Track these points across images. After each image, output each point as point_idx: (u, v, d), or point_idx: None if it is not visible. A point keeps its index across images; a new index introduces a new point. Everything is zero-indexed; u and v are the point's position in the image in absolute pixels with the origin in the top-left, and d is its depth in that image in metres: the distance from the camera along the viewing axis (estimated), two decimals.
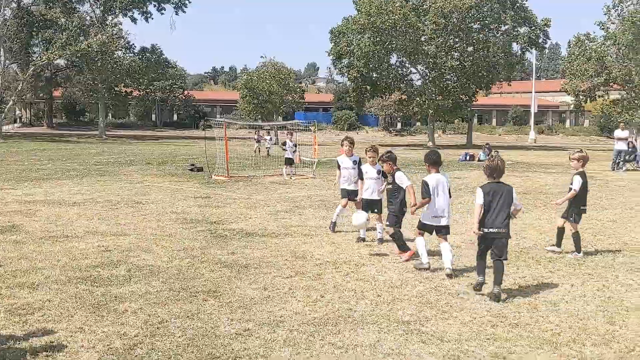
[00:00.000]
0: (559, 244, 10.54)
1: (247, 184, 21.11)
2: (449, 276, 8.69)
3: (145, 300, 7.32)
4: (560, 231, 10.52)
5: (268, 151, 36.84)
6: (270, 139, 39.58)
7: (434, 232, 9.22)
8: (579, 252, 10.15)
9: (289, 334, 6.32)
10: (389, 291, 7.96)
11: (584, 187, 10.50)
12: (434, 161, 9.24)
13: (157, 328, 6.38)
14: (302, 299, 7.56)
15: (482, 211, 8.04)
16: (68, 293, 7.52)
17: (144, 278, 8.34)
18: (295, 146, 25.50)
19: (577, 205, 10.39)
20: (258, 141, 38.78)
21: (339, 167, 12.41)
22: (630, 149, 29.76)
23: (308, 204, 16.27)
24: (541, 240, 11.46)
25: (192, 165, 26.59)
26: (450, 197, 9.28)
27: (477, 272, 8.14)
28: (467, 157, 36.30)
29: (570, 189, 10.52)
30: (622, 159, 28.95)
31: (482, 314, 7.03)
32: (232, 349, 5.88)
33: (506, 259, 7.98)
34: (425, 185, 9.05)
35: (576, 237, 10.21)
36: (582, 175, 10.58)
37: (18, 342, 5.82)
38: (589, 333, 6.44)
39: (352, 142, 12.47)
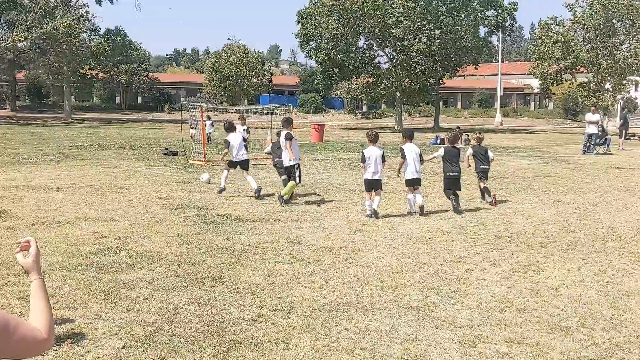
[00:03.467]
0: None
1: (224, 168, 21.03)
2: (421, 208, 12.47)
3: (154, 287, 7.36)
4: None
5: (209, 136, 31.82)
6: (212, 124, 33.81)
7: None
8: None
9: (304, 320, 6.42)
10: (391, 277, 8.11)
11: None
12: (409, 135, 13.33)
13: (174, 314, 6.44)
14: (307, 285, 7.67)
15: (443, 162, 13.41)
16: (76, 280, 7.52)
17: (147, 264, 8.36)
18: (248, 132, 23.81)
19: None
20: (193, 127, 32.92)
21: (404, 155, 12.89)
22: (600, 133, 30.31)
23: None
24: (528, 225, 11.73)
25: (167, 149, 26.43)
26: (422, 161, 12.95)
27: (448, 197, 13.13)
28: (439, 141, 36.63)
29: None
30: (593, 143, 29.48)
31: (487, 299, 7.22)
32: (252, 335, 5.98)
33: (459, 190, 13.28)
34: (402, 151, 12.82)
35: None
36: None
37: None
38: (596, 318, 6.65)
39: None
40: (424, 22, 53.20)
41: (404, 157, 12.74)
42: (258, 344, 5.77)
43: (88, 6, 62.61)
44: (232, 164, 15.14)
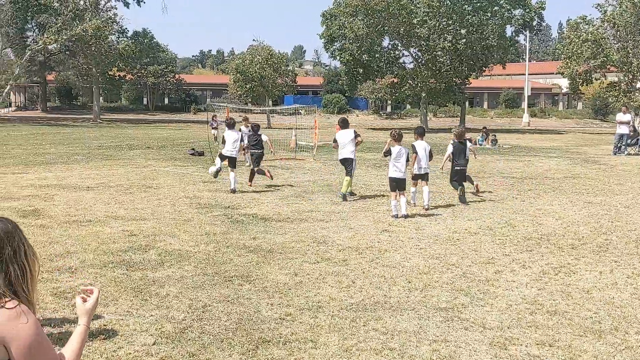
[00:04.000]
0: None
1: (250, 169, 21.11)
2: (426, 209, 13.06)
3: (183, 285, 7.42)
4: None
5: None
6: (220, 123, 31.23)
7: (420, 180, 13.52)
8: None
9: (331, 320, 6.43)
10: (419, 278, 8.08)
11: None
12: (420, 133, 13.95)
13: (203, 312, 6.49)
14: (334, 285, 7.67)
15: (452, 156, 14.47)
16: (107, 277, 7.61)
17: (176, 262, 8.43)
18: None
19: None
20: (215, 128, 31.66)
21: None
22: (631, 133, 29.83)
23: (315, 188, 16.36)
24: (558, 227, 11.60)
25: (193, 149, 26.59)
26: (431, 158, 13.61)
27: (456, 188, 14.16)
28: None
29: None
30: (624, 143, 28.99)
31: (517, 301, 7.16)
32: (281, 333, 5.99)
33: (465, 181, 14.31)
34: (413, 147, 13.41)
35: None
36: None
37: (72, 326, 5.89)
38: (630, 321, 6.55)
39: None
40: (450, 22, 52.92)
41: (415, 152, 13.35)
42: (286, 343, 5.78)
43: (116, 8, 63.27)
44: (221, 157, 16.28)
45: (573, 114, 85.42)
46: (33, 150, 25.72)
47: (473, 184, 15.35)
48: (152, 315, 6.31)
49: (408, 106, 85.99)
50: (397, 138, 12.83)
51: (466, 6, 53.62)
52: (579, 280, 8.06)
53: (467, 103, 72.96)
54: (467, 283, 7.87)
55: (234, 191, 15.21)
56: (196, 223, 11.30)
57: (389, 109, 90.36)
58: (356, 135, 15.24)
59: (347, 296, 7.25)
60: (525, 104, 71.22)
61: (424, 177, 13.50)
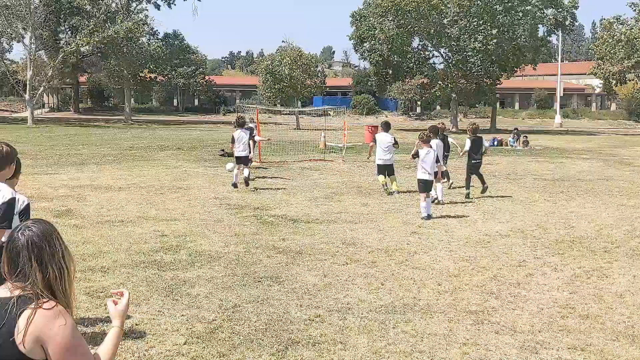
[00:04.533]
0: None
1: (279, 169, 21.23)
2: (438, 202, 13.68)
3: (213, 285, 7.48)
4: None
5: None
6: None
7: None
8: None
9: (360, 321, 6.43)
10: (449, 280, 8.04)
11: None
12: (434, 131, 14.59)
13: (233, 312, 6.54)
14: (363, 287, 7.67)
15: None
16: (139, 277, 7.71)
17: (207, 263, 8.50)
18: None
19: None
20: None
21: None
22: None
23: (344, 190, 16.36)
24: (591, 230, 11.46)
25: (223, 150, 26.72)
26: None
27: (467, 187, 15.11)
28: (495, 143, 36.12)
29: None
30: None
31: (549, 304, 7.09)
32: (310, 335, 6.01)
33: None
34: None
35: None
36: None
37: (105, 325, 5.98)
38: None
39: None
40: (480, 22, 52.53)
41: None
42: (315, 344, 5.80)
43: (147, 10, 63.81)
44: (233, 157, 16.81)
45: (606, 115, 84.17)
46: (65, 151, 26.07)
47: (483, 184, 15.27)
48: (183, 315, 6.37)
49: (438, 107, 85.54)
50: (425, 140, 12.91)
51: (497, 6, 53.19)
52: (611, 284, 7.95)
53: (498, 104, 72.37)
54: (497, 286, 7.82)
55: (235, 185, 15.85)
56: (226, 224, 11.37)
57: (418, 109, 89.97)
58: (395, 142, 15.85)
59: (376, 298, 7.24)
60: (557, 105, 70.34)
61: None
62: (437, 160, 13.12)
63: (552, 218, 12.59)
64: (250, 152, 16.64)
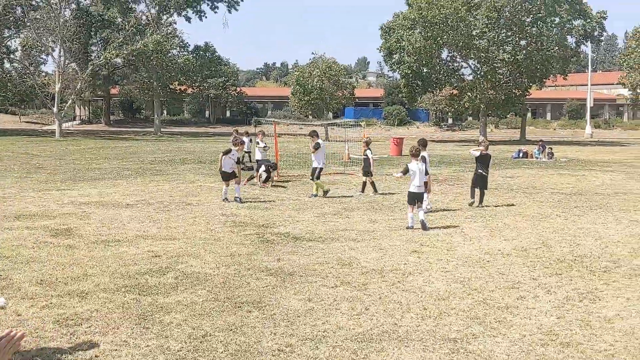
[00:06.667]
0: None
1: (296, 183, 21.13)
2: (422, 223, 12.77)
3: (191, 311, 7.36)
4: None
5: (248, 156, 28.34)
6: (250, 140, 27.87)
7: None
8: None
9: (331, 351, 6.25)
10: (436, 304, 7.83)
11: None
12: (423, 144, 14.67)
13: (201, 342, 6.40)
14: (346, 312, 7.50)
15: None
16: (116, 302, 7.62)
17: (191, 287, 8.39)
18: (265, 149, 22.57)
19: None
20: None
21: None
22: None
23: (356, 205, 16.20)
24: (596, 247, 11.13)
25: (244, 163, 26.68)
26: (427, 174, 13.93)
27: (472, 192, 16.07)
28: (521, 154, 35.63)
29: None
30: None
31: (532, 331, 6.84)
32: None
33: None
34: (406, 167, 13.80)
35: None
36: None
37: (65, 356, 5.90)
38: None
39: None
40: (509, 33, 52.04)
41: (406, 172, 13.47)
42: None
43: (175, 23, 64.63)
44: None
45: (638, 125, 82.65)
46: (86, 165, 26.34)
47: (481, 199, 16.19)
48: (147, 346, 6.24)
49: (470, 118, 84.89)
50: (415, 154, 13.33)
51: (525, 17, 52.66)
52: (602, 308, 7.67)
53: (529, 114, 71.51)
54: (484, 310, 7.59)
55: (226, 200, 16.40)
56: (224, 243, 11.28)
57: (450, 120, 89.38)
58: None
59: (356, 324, 7.06)
60: (587, 115, 69.25)
61: (419, 196, 13.31)
62: (426, 173, 13.62)
63: (559, 235, 12.28)
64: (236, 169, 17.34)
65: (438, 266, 9.78)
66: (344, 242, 11.59)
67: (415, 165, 13.19)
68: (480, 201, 16.02)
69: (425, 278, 9.08)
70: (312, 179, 18.20)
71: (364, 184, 18.67)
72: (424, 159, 14.01)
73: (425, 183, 13.72)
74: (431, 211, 14.73)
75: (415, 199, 13.10)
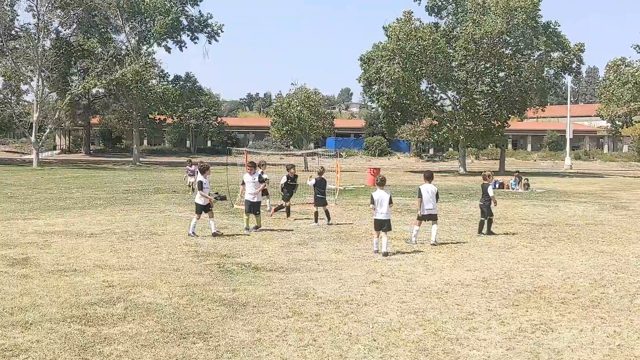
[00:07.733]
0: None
1: (267, 213, 20.98)
2: (432, 244, 14.38)
3: (134, 342, 7.20)
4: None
5: (192, 186, 27.40)
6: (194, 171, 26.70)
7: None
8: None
9: None
10: (385, 335, 7.73)
11: None
12: (427, 177, 15.09)
13: None
14: (293, 343, 7.38)
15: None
16: (59, 333, 7.45)
17: (139, 317, 8.24)
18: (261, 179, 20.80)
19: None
20: (192, 175, 28.04)
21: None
22: None
23: (324, 235, 16.11)
24: (558, 278, 11.10)
25: (216, 194, 26.54)
26: (437, 199, 15.03)
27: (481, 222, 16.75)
28: (497, 185, 35.74)
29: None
30: None
31: None
32: None
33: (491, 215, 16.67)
34: (419, 190, 14.98)
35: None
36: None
37: None
38: None
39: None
40: (488, 65, 52.58)
41: (420, 195, 14.85)
42: None
43: (155, 52, 64.65)
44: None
45: (618, 157, 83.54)
46: (57, 195, 26.09)
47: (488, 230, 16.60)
48: None
49: (450, 149, 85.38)
50: (380, 183, 13.78)
51: (504, 49, 53.27)
52: (554, 340, 7.61)
53: (510, 145, 71.98)
54: (434, 342, 7.50)
55: (193, 234, 15.59)
56: (182, 273, 11.13)
57: (431, 151, 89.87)
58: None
59: (301, 356, 6.95)
60: (567, 147, 69.88)
61: (433, 217, 14.83)
62: (390, 202, 13.66)
63: (523, 266, 12.25)
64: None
65: (395, 297, 9.69)
66: (304, 272, 11.48)
67: (379, 194, 13.49)
68: (488, 228, 16.50)
69: (380, 309, 8.99)
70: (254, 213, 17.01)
71: (316, 214, 18.59)
72: (433, 191, 14.87)
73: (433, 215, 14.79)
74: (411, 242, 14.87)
75: (381, 226, 13.36)
